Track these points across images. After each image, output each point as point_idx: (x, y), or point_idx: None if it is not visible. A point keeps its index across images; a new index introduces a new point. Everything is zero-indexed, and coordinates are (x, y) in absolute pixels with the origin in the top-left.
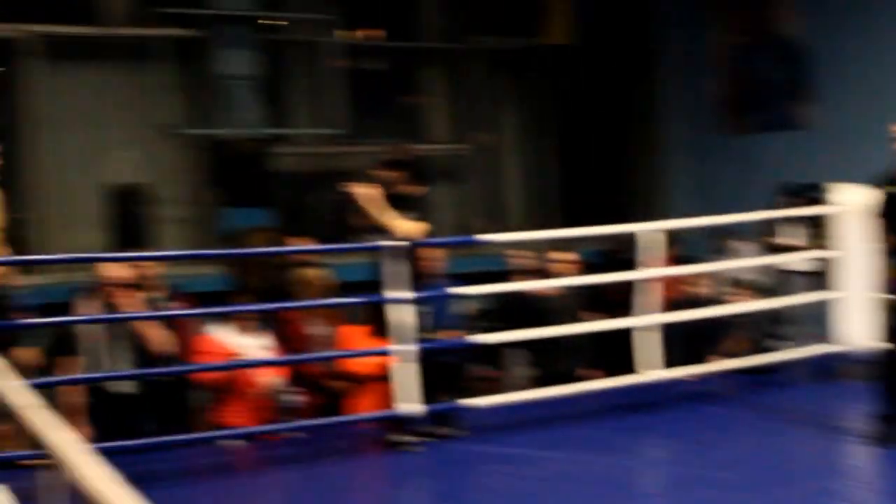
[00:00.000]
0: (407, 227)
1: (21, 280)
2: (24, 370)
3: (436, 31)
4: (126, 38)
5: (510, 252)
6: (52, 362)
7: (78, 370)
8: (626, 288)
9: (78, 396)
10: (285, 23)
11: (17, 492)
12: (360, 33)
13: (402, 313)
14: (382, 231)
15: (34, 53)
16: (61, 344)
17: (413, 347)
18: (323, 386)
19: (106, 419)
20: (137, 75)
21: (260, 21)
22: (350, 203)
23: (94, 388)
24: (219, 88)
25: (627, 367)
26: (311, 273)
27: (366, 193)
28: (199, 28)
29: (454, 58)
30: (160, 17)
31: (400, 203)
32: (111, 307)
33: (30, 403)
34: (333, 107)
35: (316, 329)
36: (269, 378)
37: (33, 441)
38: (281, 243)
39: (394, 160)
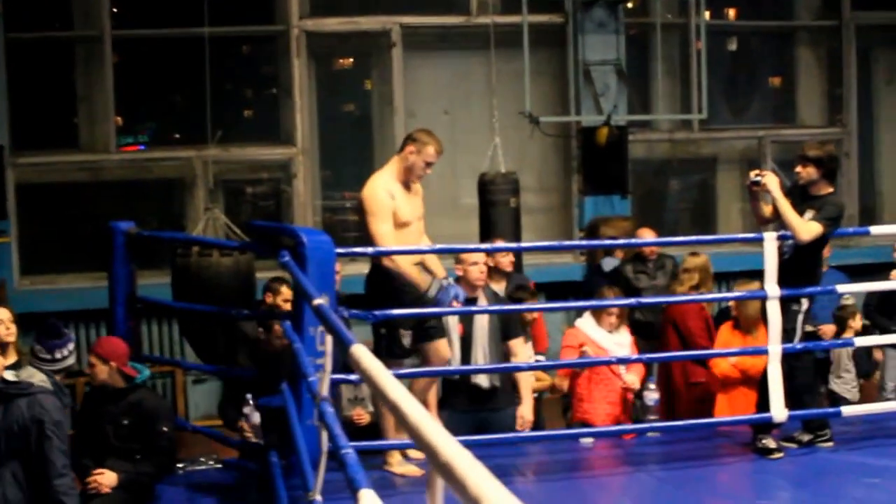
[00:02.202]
0: (807, 226)
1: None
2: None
3: (807, 7)
4: (490, 27)
5: None
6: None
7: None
8: None
9: (432, 386)
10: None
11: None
12: (730, 12)
13: (779, 310)
14: (772, 222)
15: (396, 45)
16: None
17: (786, 347)
18: (690, 384)
19: (461, 411)
20: (499, 63)
21: (623, 4)
22: (753, 190)
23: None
24: (582, 75)
25: None
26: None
27: (773, 182)
28: (563, 14)
29: (828, 35)
30: (521, 5)
31: (802, 198)
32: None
33: (400, 394)
34: (697, 90)
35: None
36: (630, 376)
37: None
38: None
39: (804, 155)
